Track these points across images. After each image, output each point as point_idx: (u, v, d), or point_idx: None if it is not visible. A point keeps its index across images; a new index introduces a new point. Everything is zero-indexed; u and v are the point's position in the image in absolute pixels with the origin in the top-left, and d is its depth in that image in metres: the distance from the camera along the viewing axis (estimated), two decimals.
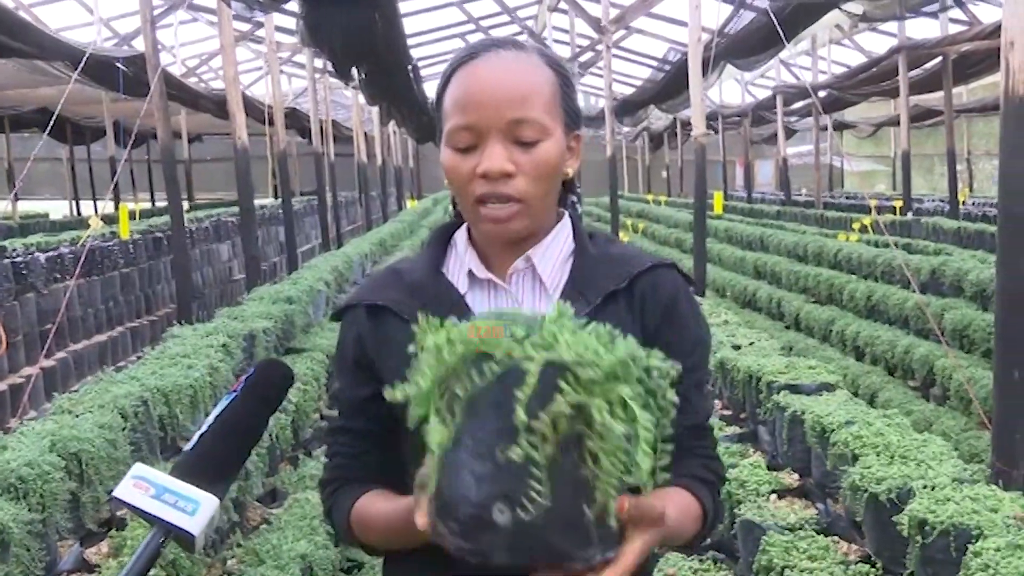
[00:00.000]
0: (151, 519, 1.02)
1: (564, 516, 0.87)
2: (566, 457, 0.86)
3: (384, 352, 1.17)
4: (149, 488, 1.03)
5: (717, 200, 13.63)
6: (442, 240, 1.26)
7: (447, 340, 0.91)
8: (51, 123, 8.50)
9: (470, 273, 1.20)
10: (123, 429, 3.20)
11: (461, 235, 1.24)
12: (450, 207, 1.30)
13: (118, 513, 3.10)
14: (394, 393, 0.93)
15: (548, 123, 1.14)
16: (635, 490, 0.90)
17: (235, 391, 1.11)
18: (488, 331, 0.90)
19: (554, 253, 1.20)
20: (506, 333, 0.90)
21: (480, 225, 1.17)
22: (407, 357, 0.96)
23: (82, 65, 7.18)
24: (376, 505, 1.15)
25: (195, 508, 1.01)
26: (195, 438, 1.08)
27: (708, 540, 1.23)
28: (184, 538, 1.02)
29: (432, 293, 1.18)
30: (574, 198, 1.28)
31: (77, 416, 3.17)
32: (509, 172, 1.12)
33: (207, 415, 1.11)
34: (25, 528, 2.49)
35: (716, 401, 4.73)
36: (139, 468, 1.04)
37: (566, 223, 1.23)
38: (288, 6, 9.51)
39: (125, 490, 1.03)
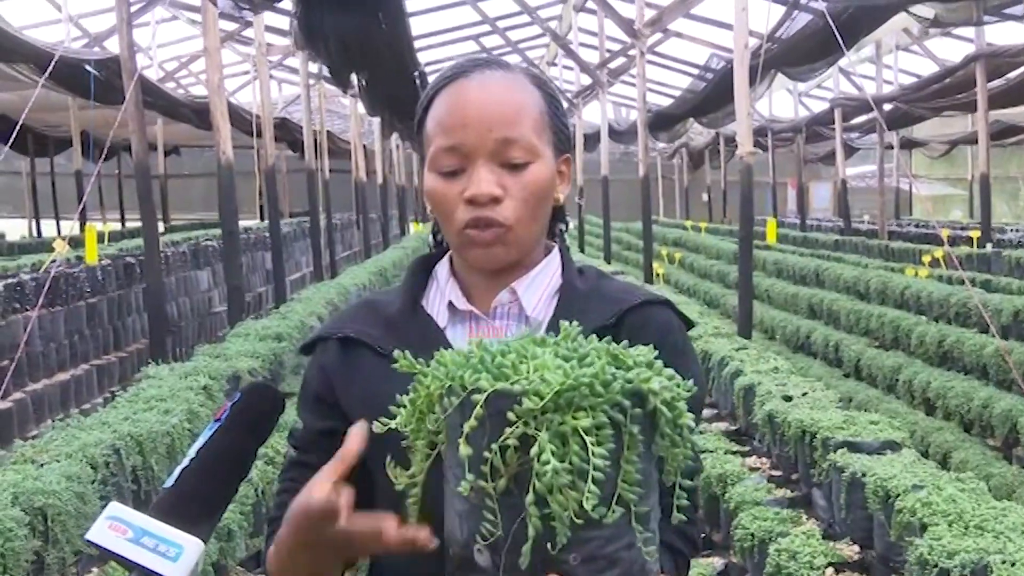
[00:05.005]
0: (129, 565, 1.03)
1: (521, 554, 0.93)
2: (519, 491, 0.93)
3: (352, 386, 1.24)
4: (126, 530, 1.03)
5: (770, 228, 13.64)
6: (422, 272, 1.33)
7: (421, 377, 1.00)
8: (14, 133, 8.68)
9: (450, 306, 1.28)
10: (92, 481, 3.27)
11: (443, 266, 1.32)
12: (430, 238, 1.38)
13: None
14: (377, 426, 1.03)
15: (537, 144, 1.23)
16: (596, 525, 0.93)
17: (219, 419, 1.13)
18: (456, 361, 0.99)
19: (540, 286, 1.28)
20: (479, 359, 0.98)
21: (465, 252, 1.25)
22: (378, 392, 1.05)
23: (49, 69, 7.36)
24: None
25: (178, 553, 1.03)
26: (176, 473, 1.09)
27: None
28: None
29: (409, 327, 1.26)
30: (562, 226, 1.36)
31: (41, 466, 3.23)
32: (497, 196, 1.20)
33: (189, 447, 1.13)
34: None
35: (764, 459, 4.76)
36: (115, 508, 1.06)
37: (555, 256, 1.31)
38: (281, 4, 9.72)
39: (99, 533, 1.04)
